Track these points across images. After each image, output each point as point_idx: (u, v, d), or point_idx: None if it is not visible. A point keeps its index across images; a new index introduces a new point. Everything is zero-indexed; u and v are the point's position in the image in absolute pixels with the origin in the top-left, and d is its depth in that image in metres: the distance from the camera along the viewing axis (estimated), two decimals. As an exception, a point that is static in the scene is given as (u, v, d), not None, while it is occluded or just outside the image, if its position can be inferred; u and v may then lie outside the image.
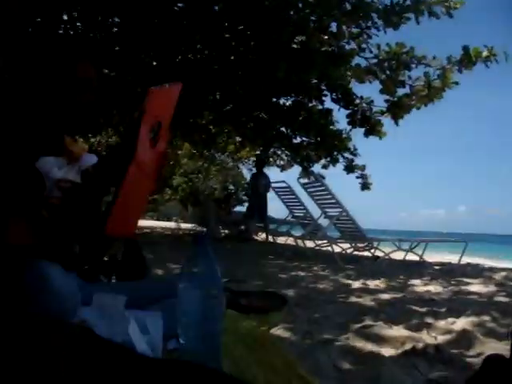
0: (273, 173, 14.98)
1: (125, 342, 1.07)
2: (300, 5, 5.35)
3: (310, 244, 8.51)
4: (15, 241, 0.79)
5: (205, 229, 12.17)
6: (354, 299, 3.83)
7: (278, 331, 2.48)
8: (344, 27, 6.07)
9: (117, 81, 8.69)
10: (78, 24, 6.68)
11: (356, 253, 8.45)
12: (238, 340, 1.82)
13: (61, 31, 6.45)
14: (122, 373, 0.77)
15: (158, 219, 27.25)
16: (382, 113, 7.78)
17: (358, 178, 9.92)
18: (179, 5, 6.32)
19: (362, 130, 8.10)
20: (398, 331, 2.70)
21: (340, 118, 8.95)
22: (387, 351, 2.31)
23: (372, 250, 8.22)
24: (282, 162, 12.29)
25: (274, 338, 1.88)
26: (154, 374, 0.78)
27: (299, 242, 8.54)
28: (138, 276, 2.01)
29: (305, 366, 1.63)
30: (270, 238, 10.29)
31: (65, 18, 6.42)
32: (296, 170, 10.91)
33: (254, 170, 11.82)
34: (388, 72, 6.74)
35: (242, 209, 14.00)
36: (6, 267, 1.32)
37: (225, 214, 12.01)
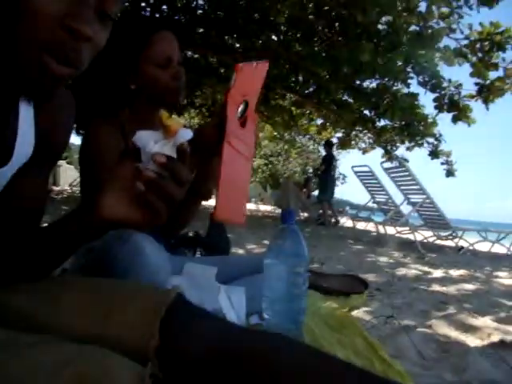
0: (354, 155, 14.77)
1: (215, 310, 1.10)
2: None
3: (390, 230, 8.35)
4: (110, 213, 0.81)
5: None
6: (436, 287, 3.72)
7: (359, 314, 2.47)
8: (434, 7, 5.85)
9: (200, 62, 8.86)
10: (163, 7, 6.82)
11: (438, 242, 8.20)
12: (319, 320, 1.83)
13: (147, 13, 6.62)
14: (215, 337, 0.80)
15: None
16: (472, 97, 7.42)
17: (442, 164, 9.61)
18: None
19: (450, 116, 7.76)
20: (485, 322, 2.60)
21: (426, 102, 8.65)
22: (472, 341, 2.23)
23: (456, 240, 7.94)
24: (363, 145, 12.09)
25: (355, 320, 1.86)
26: (247, 341, 0.80)
27: (380, 227, 8.39)
28: (221, 252, 2.06)
29: (387, 349, 1.60)
30: (350, 223, 10.17)
31: (151, 1, 6.57)
32: (378, 152, 10.71)
33: (336, 155, 11.68)
34: (480, 54, 6.42)
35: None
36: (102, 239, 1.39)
37: (305, 198, 11.98)
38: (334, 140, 11.96)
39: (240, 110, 1.28)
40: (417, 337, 2.19)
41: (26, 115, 0.98)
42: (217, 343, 0.78)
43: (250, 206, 18.45)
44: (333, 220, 11.08)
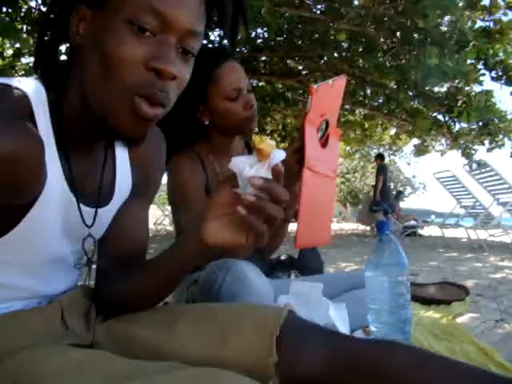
0: (432, 159, 14.35)
1: (327, 325, 1.11)
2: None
3: (482, 234, 8.01)
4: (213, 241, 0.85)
5: (368, 227, 12.03)
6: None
7: (464, 321, 2.39)
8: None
9: (266, 89, 8.98)
10: (224, 42, 6.99)
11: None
12: (423, 330, 1.79)
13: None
14: (330, 349, 0.81)
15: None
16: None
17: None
18: (318, 7, 6.35)
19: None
20: None
21: (503, 97, 8.31)
22: None
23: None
24: (441, 147, 11.73)
25: (462, 327, 1.81)
26: (363, 350, 0.81)
27: (470, 232, 8.07)
28: (315, 272, 2.06)
29: (500, 354, 1.54)
30: (437, 232, 9.85)
31: (212, 37, 6.77)
32: (457, 153, 10.36)
33: (412, 164, 11.48)
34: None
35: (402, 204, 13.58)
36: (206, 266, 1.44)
37: (397, 210, 11.73)
38: (410, 147, 11.70)
39: (320, 130, 1.29)
40: (531, 340, 2.09)
41: (122, 158, 1.04)
42: (332, 355, 0.80)
43: (333, 225, 18.28)
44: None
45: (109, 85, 0.78)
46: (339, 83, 1.33)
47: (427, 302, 2.20)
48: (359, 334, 1.52)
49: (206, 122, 1.68)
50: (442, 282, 2.58)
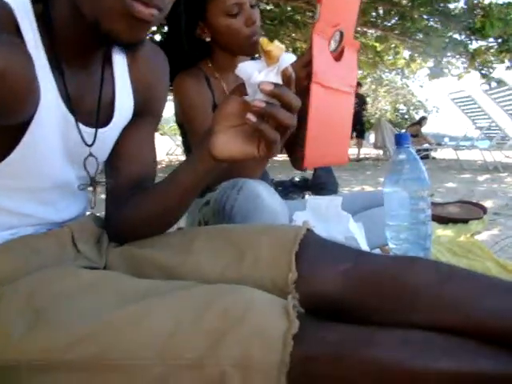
0: (449, 83, 14.07)
1: (347, 238, 1.08)
2: None
3: (497, 156, 7.91)
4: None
5: (381, 152, 11.95)
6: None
7: (483, 239, 2.36)
8: None
9: (274, 13, 8.70)
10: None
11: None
12: (441, 248, 1.77)
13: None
14: (351, 265, 0.77)
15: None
16: None
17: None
18: None
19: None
20: None
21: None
22: None
23: None
24: (458, 71, 11.43)
25: (480, 244, 1.78)
26: (384, 265, 0.77)
27: (486, 154, 7.96)
28: (330, 193, 2.03)
29: (521, 270, 1.52)
30: (453, 155, 9.75)
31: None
32: (475, 76, 10.12)
33: (425, 87, 11.39)
34: None
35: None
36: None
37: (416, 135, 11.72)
38: (426, 71, 11.46)
39: (334, 41, 1.20)
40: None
41: (121, 74, 0.98)
42: (355, 272, 0.76)
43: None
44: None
45: None
46: None
47: (444, 220, 2.17)
48: (377, 252, 1.49)
49: (208, 39, 1.60)
50: (460, 201, 2.55)
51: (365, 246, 1.19)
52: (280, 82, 0.72)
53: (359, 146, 12.28)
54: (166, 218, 0.99)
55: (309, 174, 2.16)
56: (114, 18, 0.73)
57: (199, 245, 0.91)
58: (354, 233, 1.15)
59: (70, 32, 0.81)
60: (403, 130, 11.93)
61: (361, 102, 11.95)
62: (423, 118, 13.35)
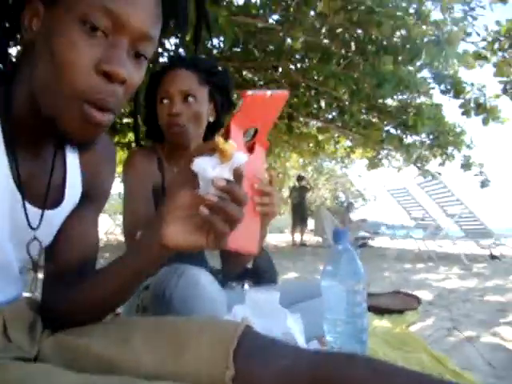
0: (389, 174, 14.74)
1: (285, 334, 1.07)
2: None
3: (431, 245, 8.19)
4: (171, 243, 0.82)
5: (320, 239, 12.16)
6: (491, 297, 3.61)
7: (417, 330, 2.40)
8: (446, 14, 5.83)
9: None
10: (180, 50, 6.96)
11: (483, 251, 8.00)
12: (377, 339, 1.78)
13: (164, 58, 6.75)
14: (288, 364, 0.77)
15: (270, 232, 27.58)
16: (497, 96, 7.26)
17: (476, 175, 9.40)
18: (274, 17, 6.38)
19: (480, 119, 7.56)
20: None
21: (452, 110, 8.54)
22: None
23: (499, 248, 7.74)
24: (397, 163, 11.97)
25: (415, 335, 1.81)
26: (322, 363, 0.77)
27: (420, 243, 8.23)
28: (269, 282, 2.03)
29: (454, 361, 1.55)
30: (389, 243, 10.04)
31: (167, 46, 6.71)
32: (413, 169, 10.62)
33: (364, 176, 11.99)
34: (500, 53, 6.33)
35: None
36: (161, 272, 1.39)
37: (347, 222, 12.06)
38: (365, 161, 11.97)
39: (248, 134, 1.26)
40: (483, 346, 2.12)
41: (72, 162, 1.01)
42: (292, 369, 0.76)
43: (284, 236, 18.36)
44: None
45: (58, 87, 0.75)
46: (279, 97, 1.29)
47: (380, 311, 2.20)
48: (315, 344, 1.49)
49: (159, 123, 1.69)
50: (395, 292, 2.60)
51: (302, 342, 1.19)
52: (232, 178, 0.77)
53: (302, 232, 12.67)
54: (106, 305, 0.96)
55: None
56: (70, 120, 0.76)
57: (138, 336, 0.88)
58: (292, 328, 1.15)
59: (26, 120, 0.83)
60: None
61: (303, 193, 12.99)
62: (350, 205, 13.87)
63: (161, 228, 0.81)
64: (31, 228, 0.91)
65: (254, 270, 2.03)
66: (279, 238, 17.20)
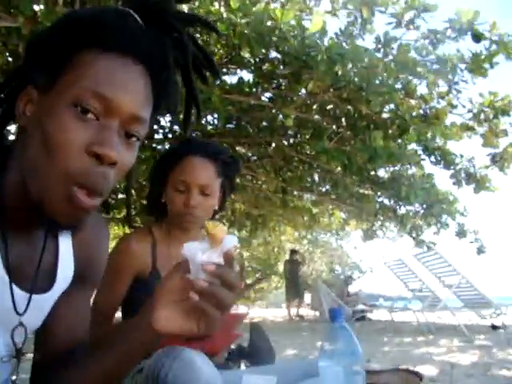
0: (383, 244, 14.80)
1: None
2: (384, 74, 5.38)
3: (430, 317, 8.06)
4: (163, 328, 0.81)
5: (317, 313, 11.97)
6: (496, 371, 3.51)
7: (420, 410, 2.31)
8: (432, 90, 6.01)
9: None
10: (175, 127, 7.09)
11: (484, 322, 7.87)
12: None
13: (159, 135, 6.88)
14: None
15: (266, 307, 27.13)
16: (487, 167, 7.40)
17: (471, 242, 9.39)
18: (266, 95, 6.56)
19: (471, 187, 7.67)
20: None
21: (443, 179, 8.65)
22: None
23: (500, 318, 7.61)
24: (392, 234, 11.97)
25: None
26: None
27: (419, 315, 8.10)
28: (266, 362, 1.98)
29: None
30: (388, 316, 9.87)
31: (163, 123, 6.85)
32: (409, 239, 10.62)
33: (359, 248, 12.06)
34: (486, 124, 6.48)
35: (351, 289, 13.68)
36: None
37: (341, 295, 11.96)
38: (360, 232, 11.98)
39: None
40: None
41: (64, 244, 1.00)
42: None
43: (281, 311, 18.07)
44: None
45: (48, 168, 0.76)
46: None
47: (382, 390, 2.13)
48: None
49: (163, 201, 1.73)
50: (395, 369, 2.53)
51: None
52: (222, 262, 0.77)
53: (298, 305, 13.01)
54: None
55: (245, 341, 2.12)
56: (57, 203, 0.77)
57: None
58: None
59: (16, 203, 0.84)
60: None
61: (297, 267, 13.42)
62: (348, 277, 13.84)
63: (152, 312, 0.81)
64: (17, 313, 0.89)
65: (251, 350, 1.99)
66: (276, 312, 16.92)
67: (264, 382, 1.17)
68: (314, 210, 10.48)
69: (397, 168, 8.22)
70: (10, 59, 5.45)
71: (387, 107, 6.11)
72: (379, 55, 5.37)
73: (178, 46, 0.88)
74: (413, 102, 5.89)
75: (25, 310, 0.90)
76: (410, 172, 8.40)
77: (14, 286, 0.87)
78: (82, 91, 0.76)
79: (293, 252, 13.84)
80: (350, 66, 5.05)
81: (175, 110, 0.94)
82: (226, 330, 1.51)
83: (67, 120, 0.75)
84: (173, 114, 1.03)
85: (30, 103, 0.81)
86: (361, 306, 11.45)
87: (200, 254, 0.76)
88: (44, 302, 0.96)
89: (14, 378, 0.98)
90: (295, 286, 12.72)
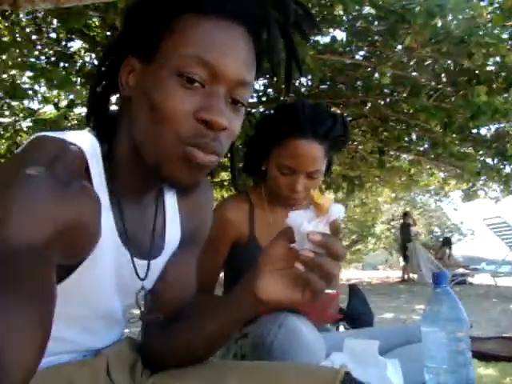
0: (485, 205, 14.11)
1: (385, 385, 1.02)
2: (489, 24, 5.03)
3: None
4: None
5: (415, 275, 11.73)
6: None
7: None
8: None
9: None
10: (268, 90, 7.10)
11: None
12: (485, 390, 1.66)
13: (254, 99, 6.89)
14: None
15: (363, 269, 27.02)
16: None
17: None
18: (361, 53, 6.37)
19: None
20: None
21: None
22: None
23: None
24: (495, 194, 11.40)
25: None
26: None
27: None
28: (365, 324, 1.96)
29: None
30: (491, 280, 9.49)
31: (257, 86, 6.86)
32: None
33: (460, 209, 11.57)
34: None
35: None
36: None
37: (446, 258, 11.67)
38: (460, 192, 11.54)
39: None
40: None
41: (171, 209, 1.02)
42: None
43: (379, 273, 17.90)
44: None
45: (159, 136, 0.77)
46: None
47: (486, 358, 2.05)
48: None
49: (263, 168, 1.69)
50: (501, 337, 2.43)
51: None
52: (328, 232, 0.75)
53: (404, 269, 12.87)
54: (202, 350, 0.97)
55: (343, 300, 2.10)
56: (174, 164, 0.78)
57: (233, 379, 0.88)
58: (392, 380, 1.09)
59: (129, 171, 0.86)
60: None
61: (408, 230, 13.11)
62: (446, 240, 13.33)
63: (255, 280, 0.81)
64: (140, 279, 0.93)
65: (350, 313, 1.98)
66: (372, 274, 16.78)
67: (366, 345, 1.15)
68: (412, 170, 10.17)
69: (502, 125, 7.77)
70: (108, 33, 5.66)
71: (491, 60, 5.73)
72: (483, 3, 5.00)
73: (277, 3, 0.85)
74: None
75: (145, 276, 0.94)
76: (517, 129, 7.93)
77: (134, 257, 0.90)
78: (185, 60, 0.76)
79: (405, 215, 13.59)
80: (450, 17, 4.76)
81: (278, 71, 0.92)
82: (322, 309, 1.49)
83: (173, 89, 0.76)
84: (276, 72, 0.99)
85: (133, 73, 0.82)
86: (461, 270, 11.07)
87: (306, 223, 0.75)
88: (156, 266, 0.99)
89: (139, 338, 1.05)
90: (404, 249, 12.52)
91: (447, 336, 1.16)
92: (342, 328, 1.90)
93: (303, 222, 0.75)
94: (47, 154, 0.73)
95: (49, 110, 6.57)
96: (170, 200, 1.02)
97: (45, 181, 0.67)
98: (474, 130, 7.81)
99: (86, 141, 0.82)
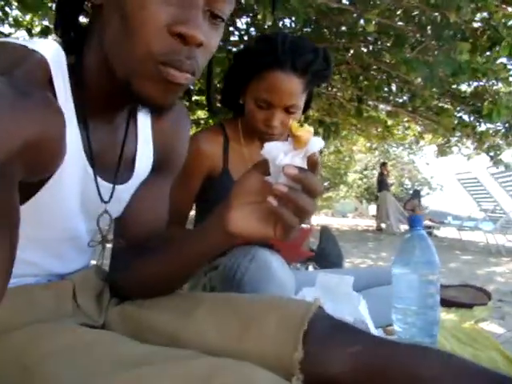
0: (456, 162, 14.28)
1: (356, 320, 1.04)
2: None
3: (501, 239, 7.88)
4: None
5: (383, 224, 11.95)
6: None
7: (487, 327, 2.30)
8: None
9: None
10: (251, 29, 6.95)
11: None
12: (446, 333, 1.71)
13: (235, 37, 6.74)
14: (361, 351, 0.74)
15: (333, 216, 27.37)
16: None
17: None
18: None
19: None
20: None
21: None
22: None
23: None
24: (468, 151, 11.53)
25: (485, 333, 1.72)
26: (396, 356, 0.73)
27: (489, 236, 7.93)
28: (334, 266, 1.99)
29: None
30: (455, 234, 9.73)
31: (238, 25, 6.69)
32: (485, 157, 10.22)
33: (431, 164, 11.68)
34: None
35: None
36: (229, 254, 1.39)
37: (413, 209, 11.86)
38: (433, 148, 11.64)
39: None
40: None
41: (144, 132, 0.98)
42: (364, 356, 0.73)
43: (348, 220, 18.18)
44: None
45: (130, 49, 0.71)
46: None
47: (448, 304, 2.12)
48: (380, 333, 1.45)
49: (241, 102, 1.64)
50: (463, 285, 2.50)
51: (373, 330, 1.15)
52: (305, 166, 0.71)
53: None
54: (171, 282, 0.96)
55: (313, 244, 2.12)
56: (146, 81, 0.73)
57: (203, 311, 0.88)
58: (364, 315, 1.11)
59: (98, 86, 0.81)
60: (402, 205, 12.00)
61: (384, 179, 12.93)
62: (416, 192, 13.56)
63: (227, 212, 0.77)
64: (103, 201, 0.90)
65: (319, 252, 2.00)
66: (342, 221, 17.02)
67: (340, 279, 1.16)
68: (389, 122, 10.19)
69: (481, 83, 7.78)
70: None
71: (478, 16, 5.67)
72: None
73: None
74: (510, 9, 5.41)
75: (109, 199, 0.91)
76: (495, 88, 7.94)
77: (98, 177, 0.87)
78: None
79: (383, 165, 13.69)
80: (440, -33, 4.66)
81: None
82: (294, 245, 1.50)
83: None
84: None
85: None
86: (427, 222, 11.31)
87: (282, 155, 0.70)
88: (123, 193, 0.96)
89: (99, 262, 1.03)
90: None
91: (419, 278, 1.18)
92: (311, 268, 1.93)
93: (279, 154, 0.71)
94: (6, 59, 0.67)
95: (21, 36, 6.30)
96: (144, 123, 0.98)
97: (2, 89, 0.58)
98: (454, 86, 7.81)
99: (51, 49, 0.76)
